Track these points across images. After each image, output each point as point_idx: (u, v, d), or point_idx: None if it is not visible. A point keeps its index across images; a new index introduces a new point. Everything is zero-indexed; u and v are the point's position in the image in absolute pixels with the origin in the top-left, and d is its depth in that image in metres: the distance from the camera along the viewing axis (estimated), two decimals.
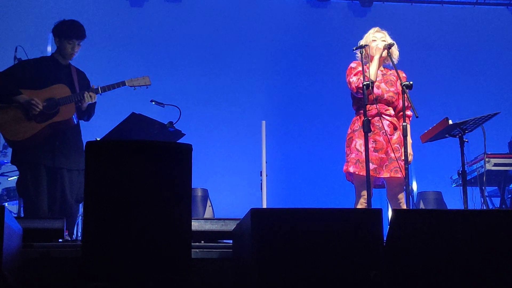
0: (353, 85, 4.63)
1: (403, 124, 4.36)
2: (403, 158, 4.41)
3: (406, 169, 4.33)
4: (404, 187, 4.56)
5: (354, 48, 4.66)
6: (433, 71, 8.41)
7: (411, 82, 4.34)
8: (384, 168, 4.60)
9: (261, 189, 5.89)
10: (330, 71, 8.12)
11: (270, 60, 8.44)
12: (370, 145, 4.49)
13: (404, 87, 4.36)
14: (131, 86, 5.16)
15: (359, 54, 4.60)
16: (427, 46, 8.49)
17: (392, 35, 4.86)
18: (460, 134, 4.61)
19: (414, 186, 7.65)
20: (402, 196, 4.66)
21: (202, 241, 3.94)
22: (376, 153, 4.58)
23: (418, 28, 8.51)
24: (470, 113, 4.71)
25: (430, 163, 7.55)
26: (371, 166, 4.43)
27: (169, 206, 2.89)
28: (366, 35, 4.83)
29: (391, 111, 4.75)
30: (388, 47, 4.63)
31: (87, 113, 5.16)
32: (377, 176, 4.60)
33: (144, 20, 8.41)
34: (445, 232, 2.96)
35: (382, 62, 4.81)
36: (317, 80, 8.36)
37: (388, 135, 4.63)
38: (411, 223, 2.98)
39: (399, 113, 4.74)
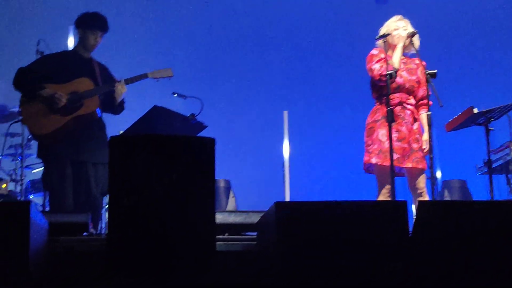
0: (376, 72, 4.57)
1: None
2: (423, 147, 4.54)
3: (431, 158, 4.30)
4: (425, 177, 4.58)
5: (377, 37, 4.62)
6: (457, 59, 8.31)
7: (435, 71, 4.32)
8: (406, 158, 4.56)
9: (284, 180, 5.88)
10: (352, 59, 8.05)
11: (291, 49, 8.41)
12: (393, 135, 4.43)
13: (428, 76, 4.32)
14: (153, 78, 5.14)
15: (381, 43, 4.55)
16: (450, 34, 8.39)
17: (413, 22, 4.80)
18: (485, 123, 4.55)
19: (438, 174, 7.59)
20: (423, 186, 4.62)
21: (227, 234, 3.95)
22: (399, 143, 4.53)
23: (441, 15, 8.41)
24: (494, 101, 4.65)
25: (454, 151, 7.49)
26: (394, 156, 4.38)
27: (193, 200, 2.90)
28: (388, 23, 4.76)
29: (412, 101, 4.69)
30: (412, 35, 4.59)
31: (120, 106, 5.15)
32: (400, 166, 4.56)
33: (164, 11, 8.43)
34: (471, 223, 2.93)
35: (403, 51, 4.76)
36: (339, 68, 8.30)
37: (410, 124, 4.60)
38: (436, 214, 2.96)
39: (419, 102, 4.72)
